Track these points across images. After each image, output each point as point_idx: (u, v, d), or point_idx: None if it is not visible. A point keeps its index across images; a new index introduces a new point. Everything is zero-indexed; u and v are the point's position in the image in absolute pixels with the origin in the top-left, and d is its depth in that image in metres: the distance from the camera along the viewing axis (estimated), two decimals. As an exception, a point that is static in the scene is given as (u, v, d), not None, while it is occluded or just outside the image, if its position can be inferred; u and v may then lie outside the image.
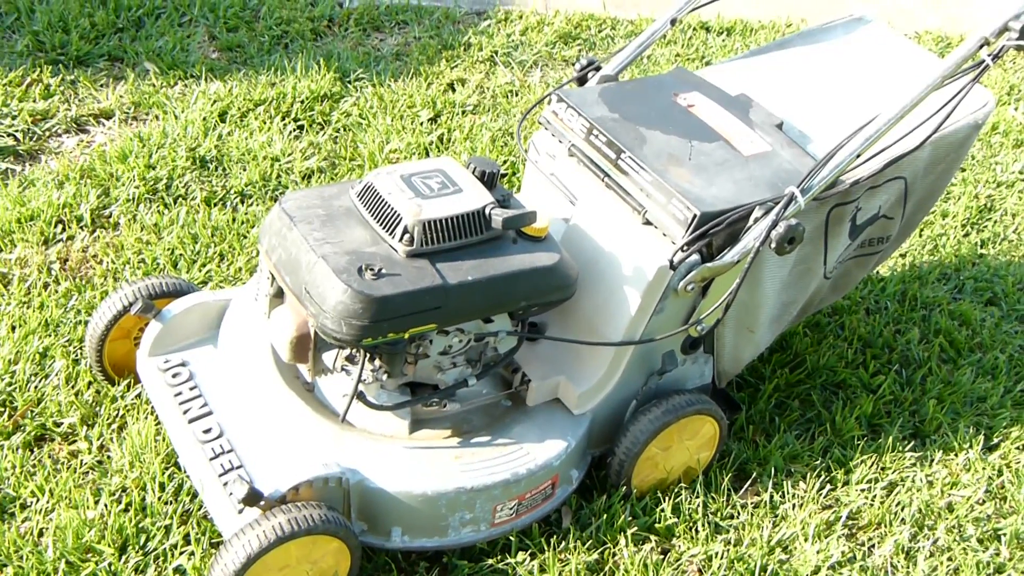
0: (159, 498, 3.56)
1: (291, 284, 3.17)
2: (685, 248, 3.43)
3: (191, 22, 6.45)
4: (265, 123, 5.56)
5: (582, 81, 4.17)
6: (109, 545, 3.40)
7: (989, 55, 3.46)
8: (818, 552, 3.72)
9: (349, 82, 6.05)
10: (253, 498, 3.07)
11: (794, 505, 3.89)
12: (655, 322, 3.56)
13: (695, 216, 3.39)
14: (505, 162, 5.50)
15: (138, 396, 3.88)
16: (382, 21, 6.87)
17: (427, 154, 5.51)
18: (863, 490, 4.00)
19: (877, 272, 5.19)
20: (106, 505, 3.53)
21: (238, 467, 3.37)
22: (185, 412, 3.53)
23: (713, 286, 3.58)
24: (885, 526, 3.90)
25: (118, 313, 3.74)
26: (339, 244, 3.14)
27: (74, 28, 6.09)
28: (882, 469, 4.10)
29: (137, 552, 3.41)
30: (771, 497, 3.90)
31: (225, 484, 3.31)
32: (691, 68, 4.33)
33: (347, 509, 3.30)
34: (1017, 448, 4.28)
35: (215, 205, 4.96)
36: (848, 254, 4.02)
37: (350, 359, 3.36)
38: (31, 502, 3.56)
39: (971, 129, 3.98)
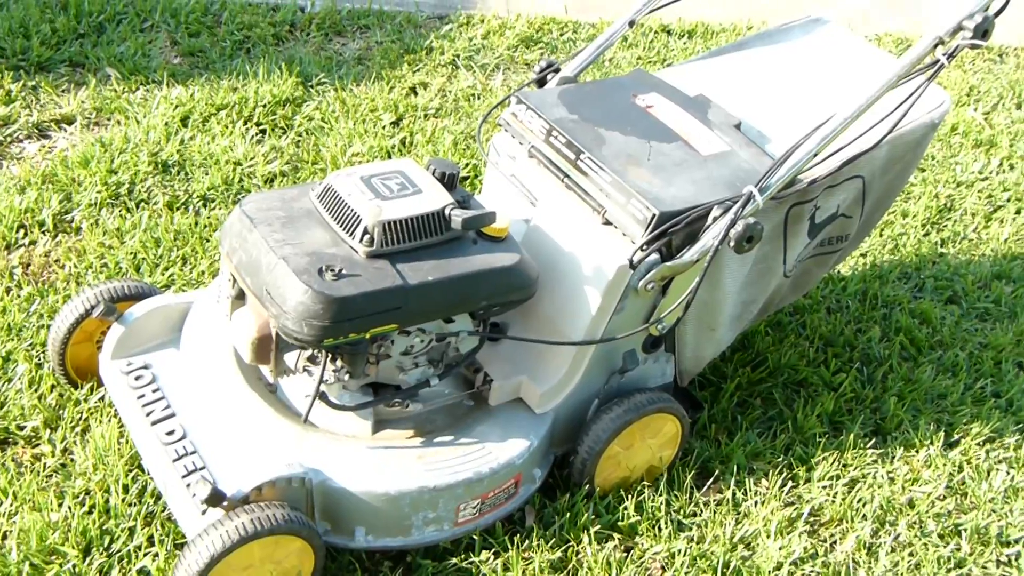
0: (123, 500, 3.55)
1: (252, 285, 3.17)
2: (644, 247, 3.45)
3: (152, 27, 6.44)
4: (227, 127, 5.55)
5: (542, 83, 4.19)
6: (73, 547, 3.40)
7: (944, 54, 3.49)
8: (780, 548, 3.74)
9: (311, 86, 6.05)
10: (216, 499, 3.07)
11: (756, 502, 3.91)
12: (616, 321, 3.58)
13: (654, 216, 3.41)
14: (467, 165, 5.51)
15: (101, 399, 3.88)
16: (344, 25, 6.88)
17: (389, 157, 5.52)
18: (825, 487, 4.03)
19: (838, 271, 5.22)
20: (70, 508, 3.52)
21: (201, 468, 3.36)
22: (148, 414, 3.53)
23: (673, 285, 3.60)
24: (847, 522, 3.93)
25: (80, 316, 3.73)
26: (299, 245, 3.14)
27: (35, 34, 6.07)
28: (844, 466, 4.13)
29: (101, 554, 3.41)
30: (733, 494, 3.92)
31: (188, 485, 3.31)
32: (652, 71, 4.35)
33: (310, 509, 3.31)
34: (977, 444, 4.31)
35: (177, 209, 4.95)
36: (807, 253, 4.05)
37: (312, 360, 3.36)
38: (-6, 506, 3.57)
39: (928, 128, 4.01)
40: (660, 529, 3.74)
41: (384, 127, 5.76)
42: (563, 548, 3.64)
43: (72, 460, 3.72)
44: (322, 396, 3.35)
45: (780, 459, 4.10)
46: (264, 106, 5.75)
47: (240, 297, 3.39)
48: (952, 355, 4.81)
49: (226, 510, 3.10)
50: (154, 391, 3.62)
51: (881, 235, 5.54)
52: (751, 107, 4.00)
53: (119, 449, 3.70)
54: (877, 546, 3.87)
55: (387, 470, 3.36)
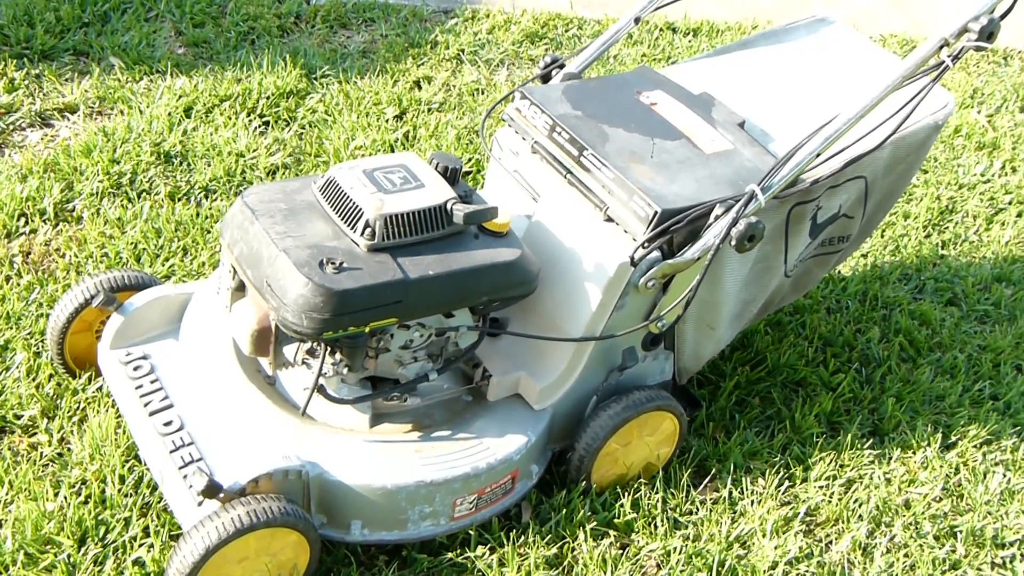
0: (119, 490, 3.56)
1: (252, 277, 3.17)
2: (646, 245, 3.45)
3: (157, 17, 6.43)
4: (230, 119, 5.55)
5: (546, 79, 4.18)
6: (68, 537, 3.40)
7: (949, 56, 3.48)
8: (776, 548, 3.74)
9: (315, 79, 6.05)
10: (212, 490, 3.07)
11: (753, 501, 3.91)
12: (616, 318, 3.57)
13: (656, 213, 3.40)
14: (470, 160, 5.51)
15: (99, 389, 3.87)
16: (349, 18, 6.87)
17: (392, 151, 5.51)
18: (821, 487, 4.03)
19: (838, 271, 5.22)
20: (66, 497, 3.52)
21: (198, 460, 3.36)
22: (146, 405, 3.53)
23: (674, 283, 3.60)
24: (843, 522, 3.93)
25: (80, 306, 3.73)
26: (301, 238, 3.14)
27: (39, 22, 6.07)
28: (841, 466, 4.13)
29: (96, 544, 3.41)
30: (730, 493, 3.92)
31: (185, 476, 3.31)
32: (657, 68, 4.35)
33: (307, 502, 3.31)
34: (974, 446, 4.31)
35: (179, 200, 4.95)
36: (808, 253, 4.05)
37: (311, 352, 3.37)
38: (-10, 494, 3.57)
39: (931, 130, 4.01)
40: (656, 527, 3.74)
41: (387, 121, 5.76)
42: (559, 544, 3.64)
43: (69, 450, 3.72)
44: (320, 389, 3.36)
45: (777, 458, 4.10)
46: (268, 98, 5.74)
47: (240, 289, 3.39)
48: (951, 357, 4.80)
49: (222, 502, 3.10)
50: (152, 381, 3.61)
51: (882, 236, 5.54)
52: (755, 106, 4.00)
53: (116, 439, 3.70)
54: (872, 547, 3.87)
55: (384, 464, 3.36)
